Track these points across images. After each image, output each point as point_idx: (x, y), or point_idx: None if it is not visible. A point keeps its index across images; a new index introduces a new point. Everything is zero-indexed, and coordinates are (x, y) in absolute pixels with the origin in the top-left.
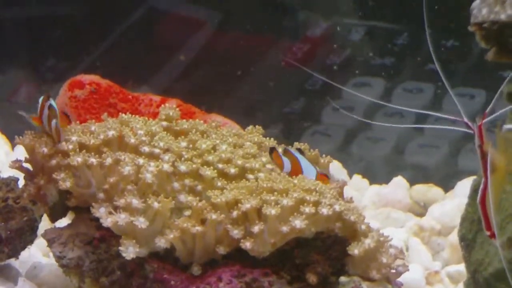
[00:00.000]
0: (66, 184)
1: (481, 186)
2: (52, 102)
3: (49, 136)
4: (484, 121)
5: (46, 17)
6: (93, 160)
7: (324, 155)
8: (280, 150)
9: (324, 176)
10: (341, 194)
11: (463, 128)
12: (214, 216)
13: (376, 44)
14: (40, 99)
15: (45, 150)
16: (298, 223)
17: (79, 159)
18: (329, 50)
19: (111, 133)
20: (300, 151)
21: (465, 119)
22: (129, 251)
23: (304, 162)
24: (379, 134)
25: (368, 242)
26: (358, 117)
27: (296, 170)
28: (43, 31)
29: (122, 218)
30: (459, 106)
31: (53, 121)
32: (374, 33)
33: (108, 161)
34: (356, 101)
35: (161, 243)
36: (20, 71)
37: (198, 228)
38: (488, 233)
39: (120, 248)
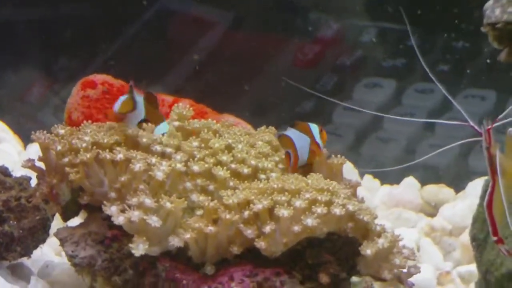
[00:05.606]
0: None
1: (488, 190)
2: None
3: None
4: (494, 125)
5: (59, 17)
6: (106, 155)
7: (339, 156)
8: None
9: (316, 146)
10: (354, 195)
11: (473, 136)
12: (227, 216)
13: (387, 45)
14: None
15: (59, 147)
16: (310, 221)
17: (89, 155)
18: (340, 51)
19: (130, 131)
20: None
21: (471, 123)
22: (139, 248)
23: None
24: (390, 134)
25: (382, 242)
26: None
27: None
28: (56, 31)
29: (135, 215)
30: (462, 111)
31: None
32: (385, 35)
33: (120, 157)
34: (367, 101)
35: (175, 242)
36: (32, 71)
37: (211, 228)
38: (495, 238)
39: (130, 245)
